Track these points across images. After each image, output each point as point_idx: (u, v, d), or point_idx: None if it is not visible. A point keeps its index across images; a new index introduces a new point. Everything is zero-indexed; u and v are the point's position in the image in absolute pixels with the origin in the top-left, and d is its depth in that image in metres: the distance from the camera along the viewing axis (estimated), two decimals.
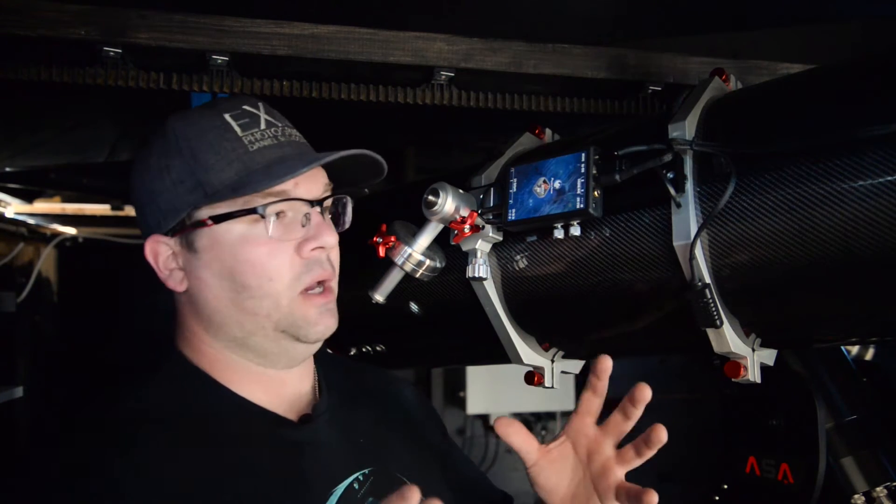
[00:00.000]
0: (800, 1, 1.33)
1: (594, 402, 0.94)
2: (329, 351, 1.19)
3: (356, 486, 0.94)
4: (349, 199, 1.00)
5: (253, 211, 0.88)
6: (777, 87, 0.95)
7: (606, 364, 0.91)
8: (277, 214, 0.90)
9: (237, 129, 0.91)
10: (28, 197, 2.87)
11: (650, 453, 0.89)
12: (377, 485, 0.95)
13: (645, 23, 1.44)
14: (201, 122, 0.92)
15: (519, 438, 0.92)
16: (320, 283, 0.92)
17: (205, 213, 0.90)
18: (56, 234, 2.88)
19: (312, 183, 0.92)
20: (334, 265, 0.94)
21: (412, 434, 1.09)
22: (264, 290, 0.89)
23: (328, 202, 0.95)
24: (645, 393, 0.89)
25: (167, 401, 0.92)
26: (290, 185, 0.90)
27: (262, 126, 0.93)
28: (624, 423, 0.92)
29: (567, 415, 3.84)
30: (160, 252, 0.93)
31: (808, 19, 1.41)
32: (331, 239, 0.92)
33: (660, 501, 0.89)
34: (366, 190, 0.99)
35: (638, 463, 0.91)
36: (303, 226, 0.91)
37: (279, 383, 0.96)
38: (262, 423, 0.93)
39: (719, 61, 1.37)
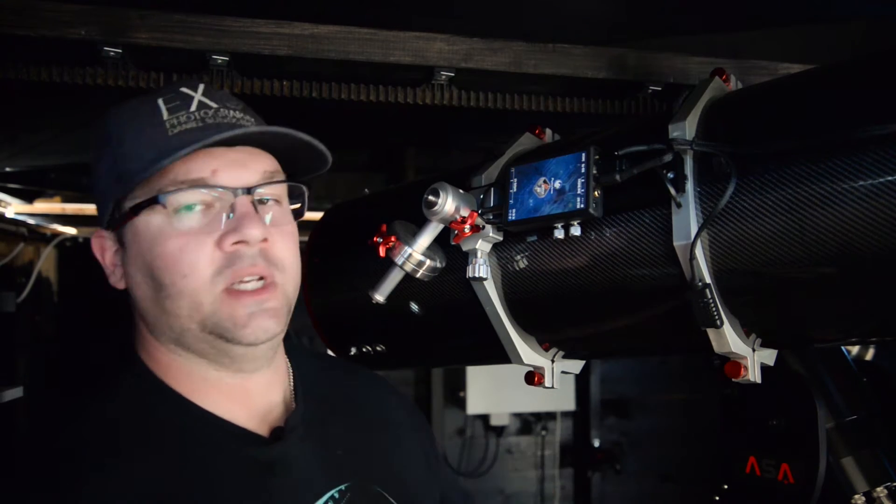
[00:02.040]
0: (800, 1, 1.33)
1: None
2: (310, 350, 1.13)
3: (332, 502, 0.88)
4: (304, 187, 0.90)
5: (154, 200, 0.80)
6: (777, 87, 0.95)
7: None
8: (194, 205, 0.81)
9: (164, 112, 0.83)
10: (28, 197, 2.87)
11: None
12: (355, 502, 0.90)
13: (645, 23, 1.43)
14: (135, 108, 0.86)
15: None
16: (260, 279, 0.82)
17: (127, 204, 0.82)
18: (56, 234, 2.88)
19: (241, 169, 0.83)
20: (273, 260, 0.84)
21: (395, 445, 1.03)
22: (178, 287, 0.80)
23: (265, 190, 0.84)
24: None
25: (126, 419, 0.84)
26: (208, 172, 0.81)
27: (193, 108, 0.84)
28: None
29: (567, 415, 3.84)
30: (105, 248, 0.87)
31: (808, 19, 1.41)
32: (254, 231, 0.81)
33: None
34: (366, 190, 0.96)
35: None
36: (228, 217, 0.81)
37: (242, 392, 0.88)
38: (228, 440, 0.85)
39: (719, 61, 1.37)
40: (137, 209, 0.81)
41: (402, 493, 0.97)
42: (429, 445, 1.11)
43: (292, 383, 0.97)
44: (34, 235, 2.77)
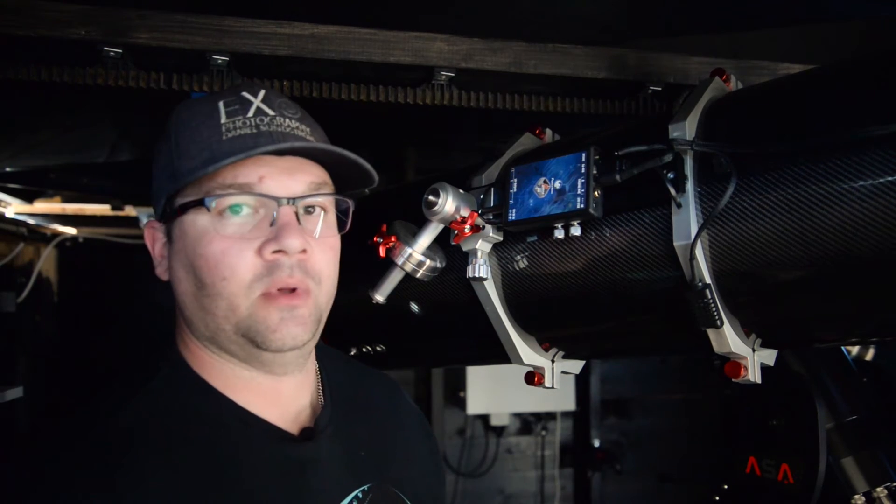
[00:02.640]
0: (800, 1, 1.33)
1: None
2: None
3: (355, 503, 0.90)
4: (349, 201, 0.91)
5: (200, 202, 0.82)
6: (777, 87, 0.95)
7: None
8: (239, 210, 0.82)
9: (223, 115, 0.85)
10: (28, 197, 2.88)
11: None
12: (376, 502, 0.92)
13: (645, 23, 1.43)
14: (197, 107, 0.88)
15: None
16: (291, 290, 0.83)
17: (178, 201, 0.85)
18: (56, 234, 2.88)
19: (288, 179, 0.84)
20: (311, 272, 0.85)
21: (409, 448, 1.06)
22: (217, 288, 0.82)
23: (310, 201, 0.86)
24: None
25: (163, 412, 0.85)
26: (255, 179, 0.82)
27: (250, 114, 0.85)
28: None
29: (567, 415, 3.84)
30: (156, 238, 0.89)
31: (808, 19, 1.41)
32: (293, 242, 0.81)
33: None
34: (366, 190, 0.96)
35: None
36: (271, 225, 0.83)
37: (275, 393, 0.90)
38: (263, 437, 0.87)
39: (719, 61, 1.37)
40: (186, 207, 0.84)
41: (415, 494, 1.00)
42: (436, 451, 1.14)
43: (320, 385, 0.98)
44: (34, 235, 2.77)
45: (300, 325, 0.84)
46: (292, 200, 0.84)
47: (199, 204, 0.82)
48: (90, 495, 0.76)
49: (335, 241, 0.90)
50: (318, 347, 0.98)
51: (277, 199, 0.83)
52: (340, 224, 0.91)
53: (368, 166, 0.88)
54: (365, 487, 0.92)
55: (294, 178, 0.85)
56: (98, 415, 0.85)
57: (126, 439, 0.81)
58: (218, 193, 0.82)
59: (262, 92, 0.88)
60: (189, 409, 0.86)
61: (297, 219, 0.84)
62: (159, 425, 0.84)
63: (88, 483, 0.77)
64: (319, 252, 0.86)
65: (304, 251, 0.84)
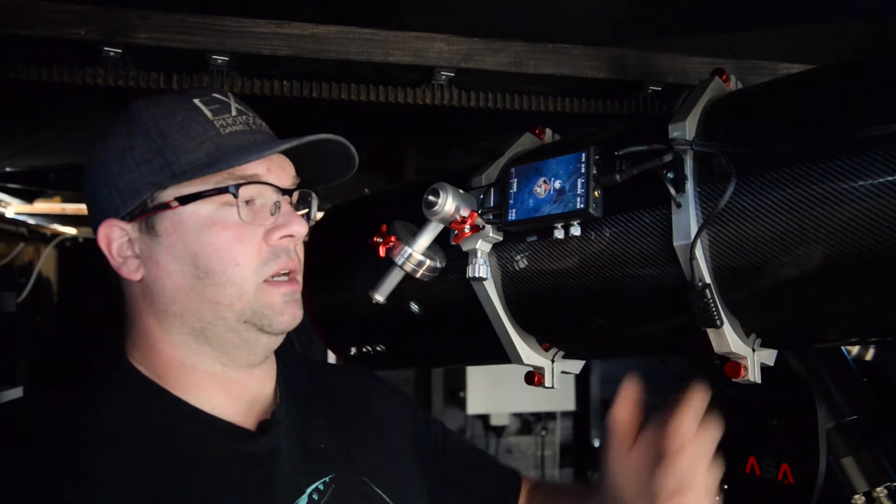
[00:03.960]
0: (800, 1, 1.33)
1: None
2: (294, 349, 1.18)
3: (315, 496, 0.91)
4: (314, 194, 0.98)
5: (224, 191, 0.85)
6: (777, 87, 0.95)
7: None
8: (248, 200, 0.87)
9: (208, 113, 0.88)
10: (28, 197, 2.88)
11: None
12: (338, 492, 0.93)
13: (645, 23, 1.44)
14: (170, 104, 0.89)
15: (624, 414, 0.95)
16: (286, 273, 0.90)
17: (170, 194, 0.86)
18: (56, 234, 2.89)
19: (283, 172, 0.91)
20: (300, 257, 0.92)
21: (385, 436, 1.07)
22: (228, 275, 0.85)
23: (296, 194, 0.94)
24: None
25: (115, 419, 0.86)
26: (263, 170, 0.87)
27: (234, 113, 0.90)
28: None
29: (567, 415, 3.85)
30: (114, 238, 0.88)
31: (808, 19, 1.41)
32: (301, 228, 0.90)
33: None
34: (366, 190, 0.98)
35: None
36: (272, 213, 0.88)
37: (239, 386, 0.92)
38: (218, 436, 0.88)
39: (719, 61, 1.37)
40: (186, 199, 0.85)
41: (389, 483, 1.00)
42: (418, 427, 1.15)
43: (277, 380, 1.01)
44: (34, 235, 2.77)
45: (299, 307, 0.91)
46: (290, 192, 0.91)
47: (218, 193, 0.85)
48: (39, 498, 0.76)
49: None
50: (280, 349, 1.01)
51: (282, 190, 0.89)
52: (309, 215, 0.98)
53: (354, 155, 0.95)
54: (326, 479, 0.93)
55: (287, 172, 0.92)
56: (46, 422, 0.88)
57: (76, 442, 0.82)
58: (232, 183, 0.85)
59: (230, 94, 0.93)
60: (140, 412, 0.87)
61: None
62: (110, 427, 0.85)
63: (37, 487, 0.77)
64: (302, 240, 0.94)
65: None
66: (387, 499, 0.99)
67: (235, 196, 0.85)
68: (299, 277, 0.92)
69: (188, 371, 0.90)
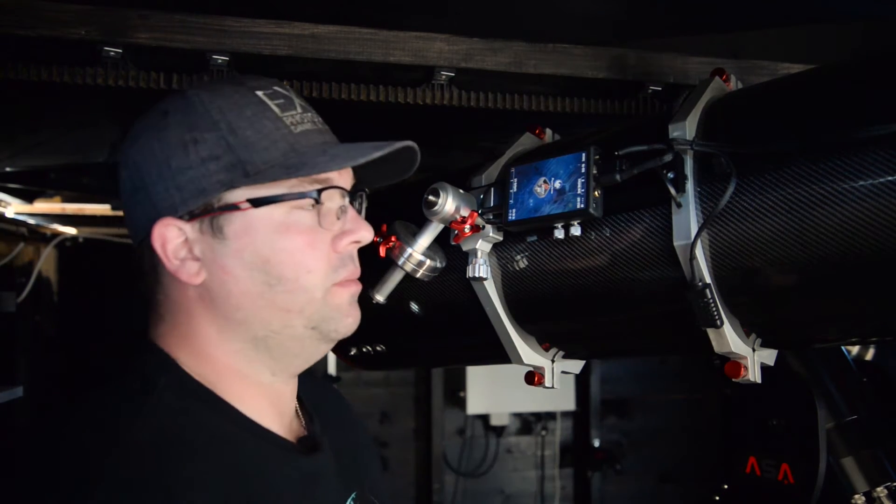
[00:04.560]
0: (800, 1, 1.33)
1: None
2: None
3: None
4: (365, 196, 0.94)
5: (306, 195, 0.80)
6: (777, 87, 0.95)
7: None
8: (322, 204, 0.83)
9: (275, 108, 0.83)
10: (28, 197, 2.87)
11: None
12: None
13: (645, 23, 1.43)
14: (234, 96, 0.82)
15: None
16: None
17: (241, 194, 0.79)
18: (56, 234, 2.88)
19: (347, 174, 0.87)
20: (358, 262, 0.89)
21: (368, 454, 1.08)
22: (301, 282, 0.82)
23: (357, 197, 0.89)
24: None
25: (177, 426, 0.78)
26: (335, 175, 0.84)
27: (299, 110, 0.85)
28: None
29: (567, 415, 3.85)
30: (170, 238, 0.80)
31: (808, 19, 1.41)
32: (368, 234, 0.86)
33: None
34: (366, 190, 0.97)
35: None
36: (338, 218, 0.84)
37: (281, 398, 0.90)
38: (277, 450, 0.85)
39: (719, 61, 1.37)
40: (262, 202, 0.80)
41: (380, 498, 1.02)
42: (376, 449, 1.17)
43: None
44: (34, 235, 2.77)
45: (359, 310, 0.89)
46: (355, 196, 0.87)
47: (298, 197, 0.81)
48: None
49: None
50: None
51: (350, 195, 0.86)
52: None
53: (414, 167, 0.93)
54: (353, 496, 0.93)
55: (349, 174, 0.88)
56: (108, 429, 0.76)
57: (152, 453, 0.74)
58: (312, 188, 0.81)
59: (289, 87, 0.88)
60: (202, 421, 0.81)
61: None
62: (177, 440, 0.77)
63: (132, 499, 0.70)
64: None
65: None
66: None
67: (318, 202, 0.81)
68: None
69: (241, 380, 0.85)
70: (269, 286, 0.81)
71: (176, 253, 0.81)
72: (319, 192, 0.81)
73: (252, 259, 0.81)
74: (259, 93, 0.83)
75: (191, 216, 0.81)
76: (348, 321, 0.87)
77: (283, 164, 0.80)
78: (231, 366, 0.84)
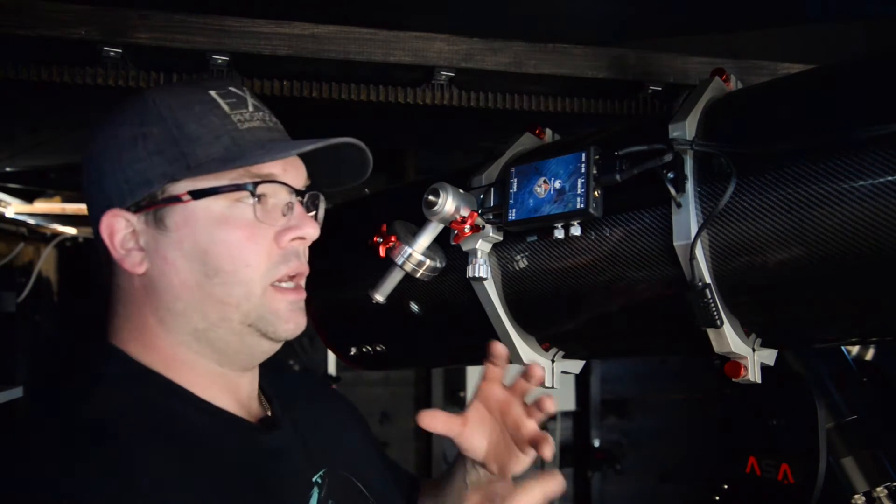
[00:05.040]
0: (800, 1, 1.33)
1: (496, 370, 0.98)
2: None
3: (317, 490, 0.92)
4: (322, 196, 0.95)
5: (241, 188, 0.82)
6: (777, 87, 0.95)
7: (498, 350, 0.97)
8: (260, 197, 0.84)
9: (225, 106, 0.86)
10: (28, 197, 2.87)
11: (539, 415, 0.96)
12: (332, 485, 0.94)
13: (645, 23, 1.44)
14: (185, 94, 0.86)
15: (442, 425, 0.98)
16: (291, 278, 0.87)
17: (183, 186, 0.82)
18: (56, 234, 2.88)
19: (297, 172, 0.88)
20: (306, 260, 0.90)
21: (348, 433, 1.09)
22: (239, 276, 0.83)
23: (307, 196, 0.90)
24: (537, 371, 0.98)
25: (123, 409, 0.81)
26: (279, 170, 0.85)
27: (250, 108, 0.88)
28: (525, 385, 0.98)
29: (567, 415, 3.84)
30: (117, 229, 0.84)
31: (808, 19, 1.41)
32: (313, 231, 0.87)
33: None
34: (366, 190, 0.97)
35: (541, 418, 0.97)
36: (284, 214, 0.86)
37: (236, 386, 0.91)
38: (230, 427, 0.87)
39: (719, 61, 1.37)
40: (202, 193, 0.82)
41: (363, 477, 1.02)
42: (372, 437, 1.18)
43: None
44: (34, 235, 2.77)
45: (303, 316, 0.89)
46: (303, 193, 0.88)
47: (235, 189, 0.82)
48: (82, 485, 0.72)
49: None
50: None
51: (300, 192, 0.88)
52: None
53: (370, 162, 0.93)
54: (321, 472, 0.94)
55: (300, 173, 0.89)
56: (53, 413, 0.81)
57: (94, 431, 0.77)
58: (249, 181, 0.83)
59: (245, 88, 0.90)
60: (152, 404, 0.83)
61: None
62: (125, 419, 0.80)
63: (81, 473, 0.73)
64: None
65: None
66: (366, 493, 1.00)
67: (254, 194, 0.83)
68: (303, 283, 0.90)
69: (191, 369, 0.87)
70: (207, 277, 0.83)
71: (123, 243, 0.84)
72: (255, 184, 0.83)
73: (191, 250, 0.83)
74: (212, 92, 0.87)
75: (137, 208, 0.84)
76: (288, 326, 0.87)
77: (223, 158, 0.82)
78: (178, 356, 0.86)
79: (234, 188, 0.82)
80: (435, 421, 0.97)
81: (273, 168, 0.85)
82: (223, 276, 0.83)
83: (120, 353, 0.86)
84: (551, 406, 0.95)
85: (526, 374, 0.97)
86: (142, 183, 0.83)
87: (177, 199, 0.82)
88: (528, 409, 0.97)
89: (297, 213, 0.87)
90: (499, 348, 0.97)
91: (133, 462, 0.76)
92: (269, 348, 0.90)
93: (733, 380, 0.90)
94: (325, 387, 1.19)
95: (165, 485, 0.77)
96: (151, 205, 0.83)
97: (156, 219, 0.84)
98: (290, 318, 0.87)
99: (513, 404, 0.98)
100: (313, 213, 0.93)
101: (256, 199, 0.83)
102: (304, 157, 0.91)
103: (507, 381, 1.01)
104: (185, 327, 0.85)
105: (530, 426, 0.96)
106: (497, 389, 0.99)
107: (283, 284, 0.87)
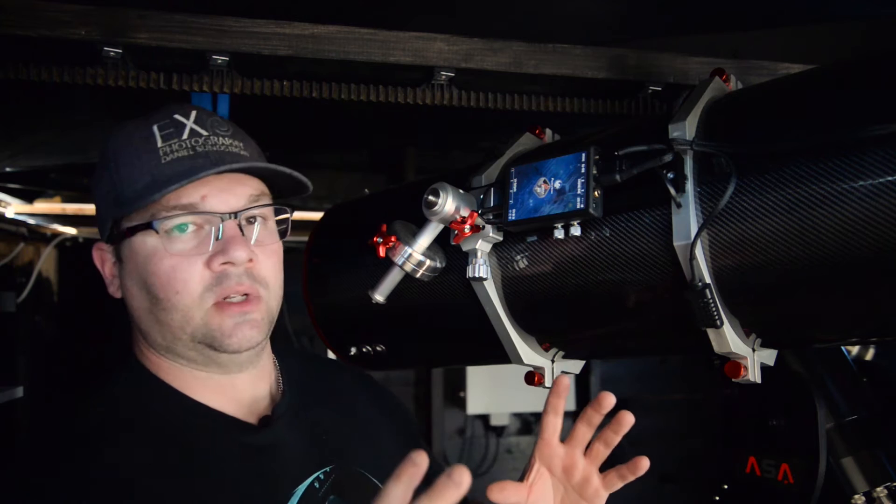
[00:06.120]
0: (800, 1, 1.33)
1: (555, 423, 0.97)
2: (297, 346, 1.22)
3: (317, 484, 0.95)
4: (288, 209, 0.98)
5: (149, 226, 0.88)
6: (777, 87, 0.95)
7: (608, 400, 0.95)
8: (185, 228, 0.89)
9: (158, 139, 0.91)
10: (28, 197, 2.87)
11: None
12: (339, 482, 0.97)
13: (645, 23, 1.44)
14: (132, 133, 0.93)
15: (513, 496, 0.96)
16: (245, 294, 0.91)
17: (124, 224, 0.91)
18: (56, 234, 2.88)
19: (228, 195, 0.91)
20: (258, 278, 0.92)
21: (376, 431, 1.11)
22: (172, 302, 0.89)
23: (249, 213, 0.92)
24: (608, 400, 0.94)
25: (129, 405, 0.93)
26: (198, 198, 0.89)
27: (185, 136, 0.91)
28: (588, 432, 0.96)
29: (567, 415, 3.85)
30: (105, 259, 0.96)
31: (808, 19, 1.41)
32: (240, 254, 0.89)
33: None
34: (366, 190, 0.98)
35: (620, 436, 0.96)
36: (217, 239, 0.89)
37: (231, 387, 0.96)
38: (222, 427, 0.93)
39: (719, 61, 1.37)
40: (134, 230, 0.90)
41: (385, 475, 1.01)
42: (410, 434, 1.19)
43: (279, 377, 1.04)
44: (34, 235, 2.77)
45: (254, 328, 0.92)
46: (234, 215, 0.91)
47: (148, 226, 0.89)
48: (61, 482, 0.81)
49: (278, 247, 0.98)
50: (280, 346, 1.06)
51: (220, 216, 0.90)
52: (282, 231, 0.99)
53: (300, 176, 0.96)
54: (327, 469, 0.97)
55: (233, 193, 0.91)
56: (57, 420, 0.94)
57: (85, 440, 0.87)
58: (164, 216, 0.88)
59: (194, 112, 0.94)
60: (148, 406, 0.93)
61: (241, 231, 0.91)
62: (124, 415, 0.90)
63: (61, 468, 0.83)
64: (265, 259, 0.94)
65: (250, 260, 0.91)
66: None
67: (157, 231, 0.88)
68: (264, 296, 0.93)
69: (179, 373, 0.95)
70: (153, 304, 0.91)
71: (110, 271, 0.96)
72: (161, 221, 0.88)
73: (138, 280, 0.92)
74: (155, 126, 0.92)
75: (109, 241, 0.95)
76: (232, 340, 0.90)
77: (140, 195, 0.88)
78: (163, 364, 0.95)
79: (143, 226, 0.89)
80: (505, 493, 0.97)
81: (191, 197, 0.89)
82: (161, 303, 0.90)
83: (135, 362, 0.97)
84: (630, 417, 0.95)
85: (595, 403, 0.95)
86: (102, 222, 0.95)
87: (122, 236, 0.92)
88: (604, 433, 0.96)
89: (225, 237, 0.90)
90: (563, 383, 0.96)
91: (125, 457, 0.85)
92: (230, 359, 0.94)
93: (733, 380, 0.90)
94: (371, 386, 1.21)
95: (147, 480, 0.84)
96: (111, 240, 0.94)
97: (117, 252, 0.94)
98: (234, 333, 0.90)
99: (576, 458, 0.97)
100: (281, 226, 0.98)
101: (186, 229, 0.89)
102: (259, 174, 0.95)
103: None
104: (154, 343, 0.94)
105: (596, 479, 0.96)
106: (556, 446, 0.98)
107: (231, 299, 0.90)
